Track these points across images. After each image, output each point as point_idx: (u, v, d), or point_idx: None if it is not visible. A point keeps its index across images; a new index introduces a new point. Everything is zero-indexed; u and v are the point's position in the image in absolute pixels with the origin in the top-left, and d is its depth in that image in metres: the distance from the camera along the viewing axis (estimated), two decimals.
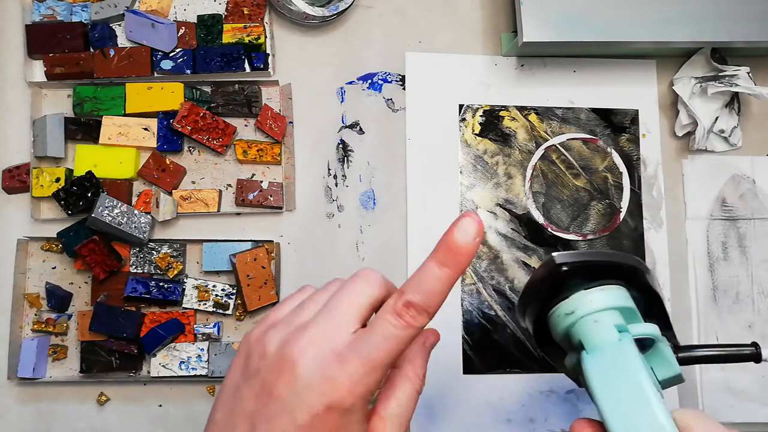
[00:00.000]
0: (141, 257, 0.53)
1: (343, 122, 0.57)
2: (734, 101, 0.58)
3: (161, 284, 0.52)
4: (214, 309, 0.53)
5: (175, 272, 0.53)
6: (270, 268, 0.53)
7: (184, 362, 0.52)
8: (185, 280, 0.53)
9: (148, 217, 0.52)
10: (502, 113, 0.59)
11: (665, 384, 0.36)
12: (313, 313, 0.31)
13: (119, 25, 0.56)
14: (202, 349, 0.53)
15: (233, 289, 0.53)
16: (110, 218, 0.51)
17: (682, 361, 0.36)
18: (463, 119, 0.58)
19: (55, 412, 0.53)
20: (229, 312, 0.53)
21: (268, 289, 0.53)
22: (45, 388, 0.53)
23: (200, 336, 0.53)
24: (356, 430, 0.29)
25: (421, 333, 0.33)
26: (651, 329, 0.35)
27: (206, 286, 0.53)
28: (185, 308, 0.53)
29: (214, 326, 0.53)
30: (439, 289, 0.30)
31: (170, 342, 0.52)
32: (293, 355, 0.29)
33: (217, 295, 0.53)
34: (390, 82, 0.58)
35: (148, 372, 0.52)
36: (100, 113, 0.54)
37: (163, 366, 0.52)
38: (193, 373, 0.52)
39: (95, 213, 0.50)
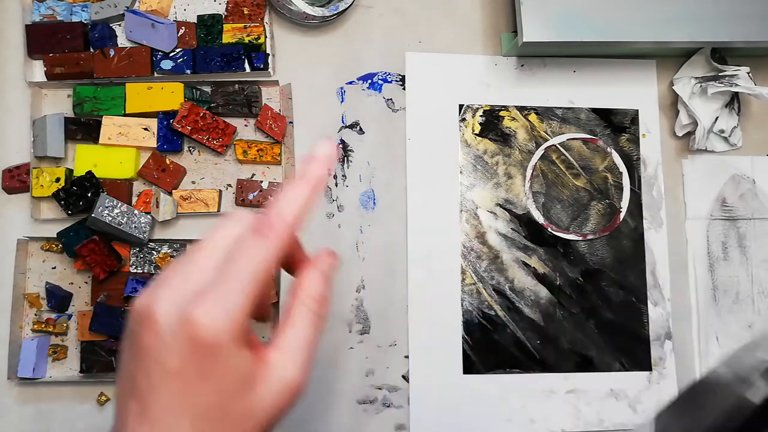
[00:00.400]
0: (141, 257, 0.53)
1: (343, 122, 0.57)
2: (734, 101, 0.58)
3: None
4: None
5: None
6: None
7: None
8: None
9: (148, 217, 0.52)
10: (502, 113, 0.59)
11: None
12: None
13: (119, 25, 0.56)
14: None
15: None
16: (110, 218, 0.51)
17: None
18: (463, 119, 0.58)
19: (55, 412, 0.53)
20: None
21: (269, 289, 0.53)
22: (45, 388, 0.53)
23: None
24: (238, 364, 0.29)
25: (314, 258, 0.32)
26: None
27: None
28: None
29: None
30: (295, 199, 0.30)
31: None
32: (152, 305, 0.29)
33: None
34: (390, 82, 0.58)
35: None
36: (100, 113, 0.54)
37: None
38: None
39: (95, 213, 0.50)
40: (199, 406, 0.28)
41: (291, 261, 0.34)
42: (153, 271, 0.53)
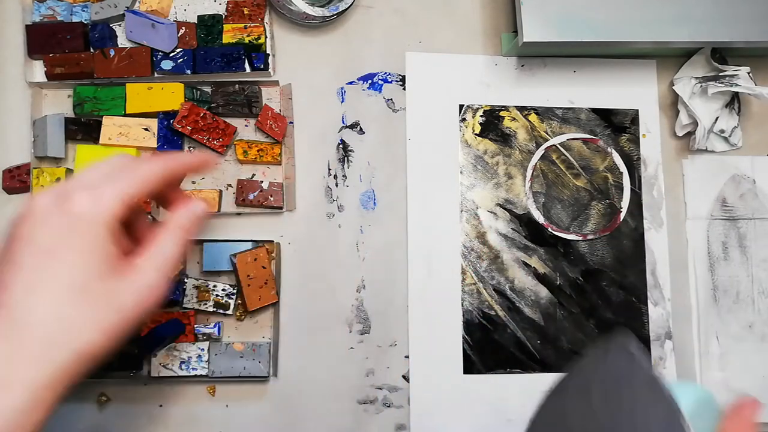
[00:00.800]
0: None
1: (343, 122, 0.57)
2: (734, 101, 0.58)
3: None
4: (215, 309, 0.53)
5: (176, 272, 0.53)
6: (270, 268, 0.53)
7: (184, 362, 0.52)
8: (185, 280, 0.53)
9: (149, 217, 0.52)
10: (502, 113, 0.59)
11: None
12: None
13: (119, 25, 0.56)
14: (203, 349, 0.52)
15: (234, 289, 0.53)
16: None
17: None
18: (464, 119, 0.58)
19: (55, 412, 0.53)
20: (230, 312, 0.53)
21: (269, 289, 0.53)
22: None
23: (201, 336, 0.53)
24: (105, 246, 0.33)
25: (189, 200, 0.39)
26: None
27: (207, 286, 0.53)
28: (185, 308, 0.53)
29: (214, 326, 0.53)
30: (175, 157, 0.38)
31: (171, 342, 0.52)
32: (32, 200, 0.33)
33: (217, 295, 0.53)
34: (390, 82, 0.58)
35: (149, 372, 0.52)
36: (100, 113, 0.54)
37: (163, 366, 0.52)
38: (193, 373, 0.52)
39: None
40: (64, 280, 0.31)
41: (168, 199, 0.40)
42: None
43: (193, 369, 0.52)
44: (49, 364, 0.30)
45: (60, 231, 0.31)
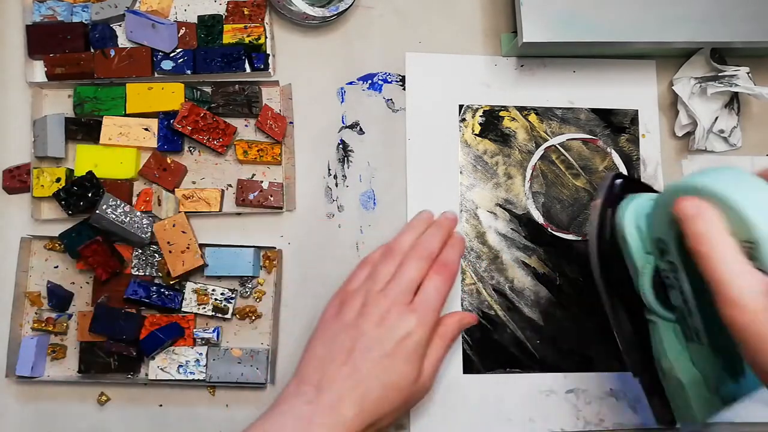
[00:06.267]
0: (143, 260, 0.53)
1: (343, 122, 0.57)
2: (734, 101, 0.58)
3: (162, 289, 0.52)
4: (213, 313, 0.53)
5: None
6: (191, 233, 0.52)
7: (182, 366, 0.52)
8: (185, 284, 0.53)
9: (151, 218, 0.52)
10: (502, 113, 0.59)
11: None
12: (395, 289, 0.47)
13: (120, 25, 0.56)
14: (201, 354, 0.52)
15: (232, 293, 0.53)
16: (114, 216, 0.50)
17: None
18: (463, 119, 0.58)
19: (55, 412, 0.53)
20: (228, 316, 0.53)
21: (192, 253, 0.52)
22: (44, 388, 0.53)
23: (200, 340, 0.53)
24: (421, 350, 0.45)
25: (461, 313, 0.53)
26: None
27: (206, 290, 0.53)
28: (185, 312, 0.53)
29: (213, 331, 0.53)
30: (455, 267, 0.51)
31: (169, 345, 0.52)
32: (381, 311, 0.45)
33: (216, 299, 0.53)
34: (390, 82, 0.58)
35: (146, 375, 0.52)
36: (100, 113, 0.54)
37: (161, 369, 0.52)
38: (191, 377, 0.52)
39: (99, 210, 0.50)
40: (391, 378, 0.43)
41: None
42: (155, 274, 0.53)
43: (190, 373, 0.52)
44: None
45: (397, 347, 0.44)
